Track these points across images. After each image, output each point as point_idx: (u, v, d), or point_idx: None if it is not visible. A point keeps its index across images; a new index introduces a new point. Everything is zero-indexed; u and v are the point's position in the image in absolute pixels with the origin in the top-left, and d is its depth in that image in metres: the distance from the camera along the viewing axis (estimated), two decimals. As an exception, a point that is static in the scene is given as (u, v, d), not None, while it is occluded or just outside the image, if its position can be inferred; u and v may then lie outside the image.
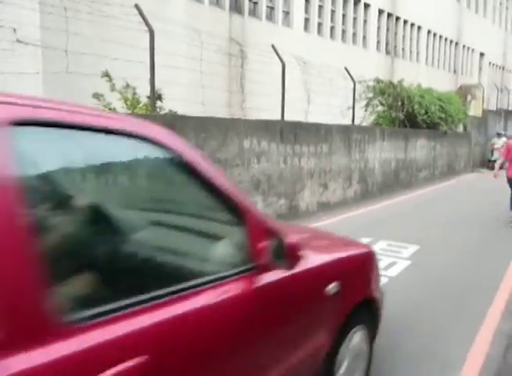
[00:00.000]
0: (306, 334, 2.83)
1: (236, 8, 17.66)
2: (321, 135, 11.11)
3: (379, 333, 3.75)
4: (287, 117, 10.57)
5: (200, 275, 2.17)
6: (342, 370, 3.08)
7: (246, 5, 18.00)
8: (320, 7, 21.85)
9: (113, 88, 7.89)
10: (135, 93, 8.09)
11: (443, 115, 18.29)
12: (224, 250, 2.42)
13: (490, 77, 37.74)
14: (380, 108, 17.11)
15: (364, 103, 16.43)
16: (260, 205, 9.16)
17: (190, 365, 1.99)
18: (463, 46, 34.84)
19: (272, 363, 2.53)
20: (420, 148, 17.09)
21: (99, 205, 1.94)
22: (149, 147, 2.09)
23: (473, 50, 36.21)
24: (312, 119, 13.32)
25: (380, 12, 25.86)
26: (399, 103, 16.69)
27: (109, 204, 2.02)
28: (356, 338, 3.28)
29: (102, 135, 1.96)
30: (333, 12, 22.65)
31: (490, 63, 38.73)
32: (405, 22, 28.04)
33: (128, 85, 8.04)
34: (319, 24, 21.91)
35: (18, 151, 1.59)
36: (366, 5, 24.65)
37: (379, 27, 26.06)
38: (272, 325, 2.53)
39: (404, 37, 28.26)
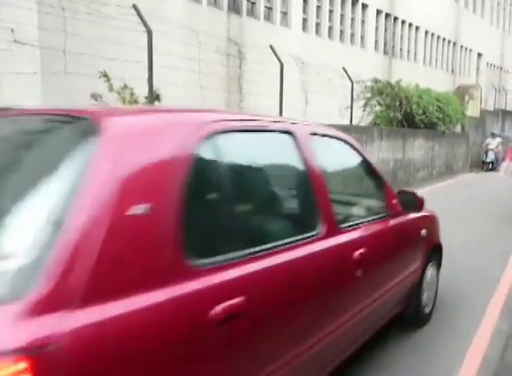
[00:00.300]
0: (415, 256, 4.60)
1: (234, 8, 17.65)
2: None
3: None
4: (286, 116, 10.56)
5: (364, 216, 3.91)
6: (426, 283, 4.88)
7: (245, 6, 17.99)
8: (318, 7, 21.86)
9: (111, 89, 7.87)
10: (132, 93, 8.08)
11: (441, 115, 18.32)
12: (376, 204, 4.24)
13: (488, 78, 37.77)
14: (378, 108, 17.13)
15: (362, 103, 16.45)
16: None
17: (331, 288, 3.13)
18: (461, 46, 34.87)
19: (402, 270, 4.26)
20: (418, 148, 17.09)
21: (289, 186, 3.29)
22: (338, 142, 3.83)
23: (471, 50, 36.24)
24: (310, 119, 13.32)
25: (378, 12, 25.88)
26: (397, 103, 16.71)
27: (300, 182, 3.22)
28: (431, 268, 5.03)
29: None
30: (331, 12, 22.66)
31: (488, 63, 38.77)
32: (403, 22, 28.05)
33: (125, 86, 8.02)
34: (317, 24, 21.91)
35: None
36: (364, 6, 24.67)
37: (377, 27, 26.07)
38: (401, 247, 4.33)
39: (402, 37, 28.27)
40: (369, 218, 3.84)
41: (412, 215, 4.46)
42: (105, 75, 7.89)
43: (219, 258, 2.29)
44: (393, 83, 17.28)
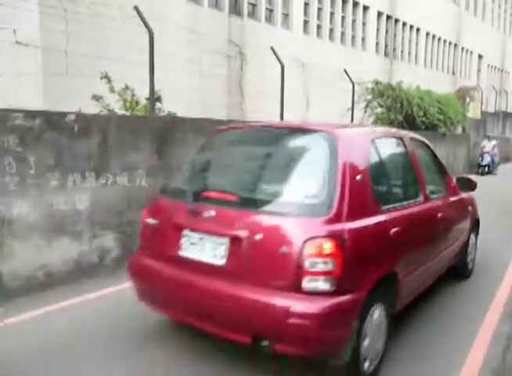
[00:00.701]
0: (465, 224, 6.30)
1: (236, 10, 17.68)
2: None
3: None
4: (286, 119, 10.57)
5: (438, 193, 5.53)
6: (470, 246, 6.59)
7: (246, 7, 18.03)
8: (319, 9, 21.90)
9: (112, 90, 7.89)
10: (133, 94, 8.09)
11: (442, 117, 18.33)
12: (443, 186, 5.85)
13: (488, 79, 37.81)
14: (379, 110, 17.15)
15: (363, 104, 16.45)
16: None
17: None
18: (462, 48, 34.91)
19: (459, 232, 6.01)
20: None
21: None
22: (421, 144, 5.74)
23: (471, 52, 36.29)
24: (311, 120, 13.33)
25: (379, 14, 25.92)
26: (398, 105, 16.71)
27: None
28: (473, 235, 6.69)
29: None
30: (332, 14, 22.71)
31: (489, 65, 38.82)
32: (404, 24, 28.10)
33: (127, 87, 8.04)
34: (318, 26, 21.96)
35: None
36: (365, 8, 24.71)
37: (378, 29, 26.12)
38: (458, 215, 6.05)
39: (403, 39, 28.32)
40: (441, 195, 5.65)
41: (463, 195, 6.25)
42: (106, 76, 7.91)
43: (390, 205, 4.28)
44: (394, 85, 17.30)
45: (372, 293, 3.72)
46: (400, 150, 5.05)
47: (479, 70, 37.74)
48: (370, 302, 3.77)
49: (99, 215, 6.37)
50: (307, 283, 3.42)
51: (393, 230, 4.09)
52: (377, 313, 3.93)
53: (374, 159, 4.35)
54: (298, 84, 15.92)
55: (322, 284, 3.43)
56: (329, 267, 3.42)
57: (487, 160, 22.63)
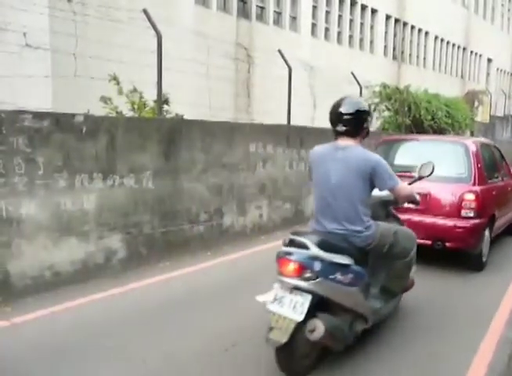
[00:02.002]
0: None
1: (244, 13, 17.75)
2: (327, 139, 11.13)
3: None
4: (293, 122, 10.61)
5: (505, 176, 8.75)
6: None
7: (254, 10, 18.09)
8: (327, 12, 21.94)
9: (120, 92, 7.94)
10: (141, 97, 8.15)
11: (450, 121, 18.26)
12: (506, 173, 8.83)
13: (497, 83, 37.71)
14: (386, 113, 17.13)
15: (370, 108, 16.45)
16: (265, 209, 9.21)
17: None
18: (471, 52, 34.85)
19: None
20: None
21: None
22: (492, 146, 8.99)
23: (480, 56, 36.21)
24: (318, 124, 13.35)
25: (388, 17, 25.93)
26: (406, 109, 16.69)
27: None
28: None
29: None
30: (340, 17, 22.74)
31: (498, 68, 38.72)
32: (413, 27, 28.09)
33: (135, 89, 8.09)
34: (326, 29, 22.00)
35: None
36: (374, 11, 24.73)
37: (386, 33, 26.12)
38: None
39: (411, 42, 28.31)
40: (506, 178, 8.67)
41: None
42: (114, 78, 7.97)
43: (490, 180, 7.55)
44: (402, 88, 17.29)
45: (487, 221, 7.22)
46: (489, 150, 8.49)
47: (488, 74, 37.65)
48: (486, 226, 7.21)
49: (106, 216, 6.43)
50: (463, 213, 6.89)
51: (493, 192, 7.58)
52: (487, 233, 7.34)
53: (482, 155, 7.62)
54: (306, 87, 15.96)
55: (469, 213, 6.87)
56: (472, 205, 6.85)
57: None
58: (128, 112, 8.00)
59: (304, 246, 3.94)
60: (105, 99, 7.84)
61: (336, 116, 4.44)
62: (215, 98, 10.78)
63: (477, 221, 6.88)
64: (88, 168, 6.16)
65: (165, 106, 8.13)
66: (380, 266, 4.60)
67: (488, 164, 7.79)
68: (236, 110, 15.92)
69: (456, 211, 6.90)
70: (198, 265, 7.14)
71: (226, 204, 8.38)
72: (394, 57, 27.02)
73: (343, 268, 4.03)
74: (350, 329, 4.11)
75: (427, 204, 6.51)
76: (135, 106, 8.13)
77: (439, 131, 17.78)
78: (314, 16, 21.18)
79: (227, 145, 8.29)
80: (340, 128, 4.38)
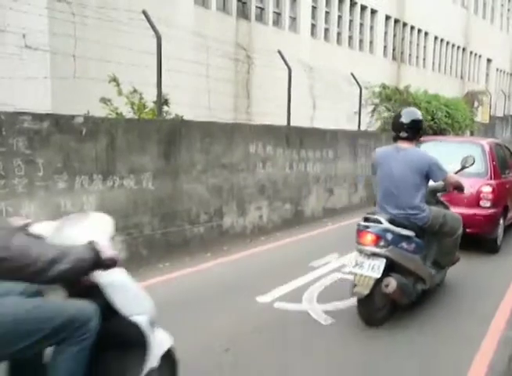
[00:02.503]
0: None
1: (243, 13, 17.76)
2: (327, 140, 11.16)
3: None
4: (293, 122, 10.62)
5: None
6: None
7: (253, 11, 18.10)
8: (327, 13, 21.95)
9: (120, 93, 7.95)
10: (141, 98, 8.16)
11: (450, 121, 18.27)
12: None
13: (497, 84, 37.75)
14: (386, 114, 17.11)
15: (370, 108, 16.45)
16: (265, 210, 9.22)
17: None
18: (471, 52, 34.87)
19: None
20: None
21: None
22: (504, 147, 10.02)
23: (480, 56, 36.24)
24: (318, 124, 13.37)
25: (387, 17, 25.95)
26: (405, 109, 16.69)
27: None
28: None
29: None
30: (339, 17, 22.75)
31: (497, 69, 38.74)
32: (412, 28, 28.11)
33: (135, 90, 8.10)
34: (326, 30, 22.01)
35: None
36: (373, 11, 24.75)
37: (386, 33, 26.14)
38: None
39: (411, 43, 28.33)
40: None
41: None
42: (114, 80, 7.97)
43: (503, 175, 8.69)
44: (401, 89, 17.30)
45: (501, 211, 8.33)
46: (501, 149, 9.43)
47: (487, 74, 37.67)
48: (500, 215, 8.33)
49: (106, 218, 6.43)
50: (481, 203, 8.00)
51: (506, 186, 8.64)
52: (501, 221, 8.45)
53: (496, 154, 8.69)
54: (305, 88, 15.94)
55: (487, 203, 7.98)
56: (489, 197, 7.96)
57: None
58: (127, 113, 8.01)
59: (378, 221, 5.11)
60: (105, 100, 7.85)
61: (398, 125, 5.45)
62: (215, 99, 10.78)
63: (493, 210, 8.08)
64: (87, 169, 6.17)
65: (165, 107, 8.14)
66: (433, 243, 5.67)
67: (500, 162, 8.88)
68: (236, 111, 15.92)
69: (475, 201, 8.05)
70: (198, 265, 7.15)
71: (226, 205, 8.39)
72: (394, 58, 27.04)
73: (408, 239, 5.21)
74: (413, 288, 5.28)
75: (450, 196, 6.90)
76: (135, 107, 8.13)
77: (439, 131, 17.78)
78: (313, 16, 21.20)
79: (227, 146, 8.30)
80: (402, 134, 5.41)
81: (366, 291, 4.84)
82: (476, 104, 26.53)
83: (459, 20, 32.27)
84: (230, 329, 4.96)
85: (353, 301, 5.71)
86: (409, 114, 5.48)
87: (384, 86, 16.98)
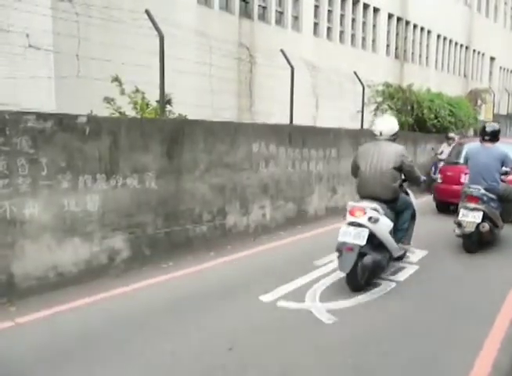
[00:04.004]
0: None
1: (246, 12, 17.77)
2: (330, 139, 11.16)
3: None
4: (296, 121, 10.63)
5: None
6: None
7: (256, 10, 18.10)
8: (329, 11, 21.93)
9: (123, 93, 7.97)
10: (144, 97, 8.18)
11: (453, 120, 18.28)
12: None
13: (501, 82, 37.67)
14: (389, 112, 17.11)
15: (373, 107, 16.45)
16: (268, 209, 9.23)
17: None
18: (474, 50, 34.79)
19: None
20: (430, 152, 17.04)
21: None
22: None
23: (483, 54, 36.15)
24: (321, 123, 13.37)
25: (390, 16, 25.91)
26: (408, 108, 16.71)
27: None
28: None
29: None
30: (342, 16, 22.72)
31: (501, 67, 38.64)
32: (415, 26, 28.06)
33: (137, 90, 8.12)
34: (329, 29, 21.99)
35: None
36: (376, 10, 24.71)
37: (388, 32, 26.10)
38: None
39: (414, 41, 28.28)
40: None
41: None
42: (117, 79, 7.99)
43: None
44: (404, 87, 17.30)
45: None
46: None
47: (491, 73, 37.58)
48: None
49: (109, 217, 6.46)
50: None
51: None
52: None
53: None
54: (308, 87, 15.93)
55: None
56: None
57: None
58: (130, 113, 8.03)
59: (478, 189, 8.18)
60: (108, 100, 7.87)
61: (484, 132, 8.61)
62: (218, 98, 10.80)
63: None
64: (91, 168, 6.19)
65: (168, 107, 8.16)
66: (503, 205, 8.48)
67: None
68: (239, 110, 15.93)
69: None
70: (201, 265, 7.16)
71: (229, 204, 8.40)
72: (397, 56, 26.99)
73: (493, 200, 8.23)
74: (495, 231, 8.48)
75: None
76: (138, 107, 8.16)
77: (443, 130, 17.77)
78: (316, 15, 21.18)
79: (230, 145, 8.31)
80: (487, 137, 8.56)
81: (472, 230, 7.94)
82: (479, 102, 26.49)
83: (462, 18, 32.20)
84: (233, 328, 4.98)
85: (356, 299, 5.76)
86: (491, 126, 8.77)
87: (387, 85, 17.00)
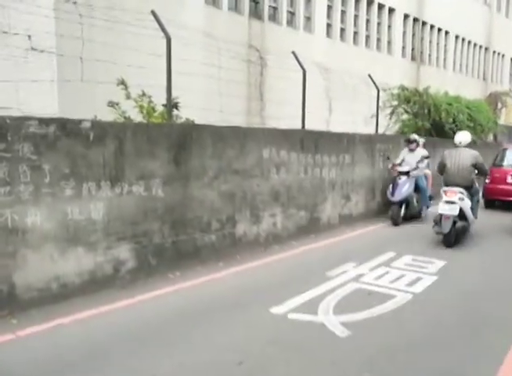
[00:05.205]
0: None
1: (256, 13, 17.80)
2: (343, 144, 11.13)
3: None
4: (308, 126, 10.61)
5: None
6: None
7: (266, 10, 18.13)
8: (343, 12, 21.94)
9: (128, 96, 7.98)
10: (150, 101, 8.18)
11: (472, 124, 18.17)
12: None
13: (522, 84, 37.48)
14: (405, 116, 17.07)
15: (388, 111, 16.41)
16: (279, 217, 9.21)
17: None
18: (493, 52, 34.68)
19: None
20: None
21: None
22: None
23: (503, 56, 36.02)
24: (334, 128, 13.34)
25: (406, 16, 25.88)
26: (425, 111, 16.64)
27: None
28: None
29: None
30: (356, 17, 22.73)
31: (522, 69, 38.48)
32: (432, 27, 28.02)
33: (143, 93, 8.13)
34: (342, 30, 22.00)
35: None
36: (391, 10, 24.70)
37: (404, 32, 26.07)
38: None
39: (431, 42, 28.23)
40: None
41: None
42: (122, 83, 8.01)
43: None
44: (421, 90, 17.24)
45: None
46: None
47: (511, 75, 37.45)
48: None
49: (114, 225, 6.45)
50: None
51: None
52: None
53: None
54: (320, 90, 15.96)
55: None
56: None
57: (401, 191, 11.63)
58: (136, 117, 8.04)
59: None
60: (113, 104, 7.88)
61: None
62: (227, 101, 10.81)
63: None
64: (95, 175, 6.19)
65: (175, 111, 8.17)
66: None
67: None
68: (249, 114, 15.95)
69: None
70: (210, 275, 7.15)
71: (239, 212, 8.38)
72: (413, 58, 26.95)
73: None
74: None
75: None
76: (144, 111, 8.16)
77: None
78: (329, 16, 21.20)
79: (239, 150, 8.30)
80: None
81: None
82: (499, 106, 26.40)
83: (482, 18, 32.11)
84: (243, 341, 4.95)
85: (370, 312, 5.72)
86: None
87: (402, 88, 16.94)
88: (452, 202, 9.11)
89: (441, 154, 10.13)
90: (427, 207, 12.70)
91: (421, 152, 12.38)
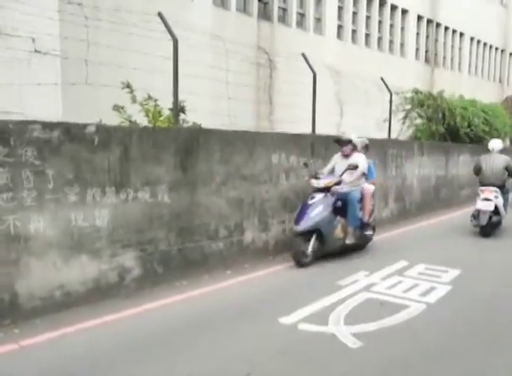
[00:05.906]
0: None
1: (265, 14, 17.84)
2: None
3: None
4: (318, 130, 10.61)
5: None
6: None
7: (276, 12, 18.17)
8: (354, 13, 21.97)
9: (134, 100, 7.99)
10: (156, 105, 8.20)
11: (488, 128, 18.11)
12: None
13: (539, 88, 37.37)
14: (418, 121, 17.05)
15: (401, 115, 16.38)
16: (288, 224, 9.18)
17: None
18: (510, 54, 34.61)
19: None
20: (463, 164, 16.92)
21: None
22: None
23: (521, 58, 35.95)
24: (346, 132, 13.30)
25: (419, 18, 25.89)
26: (439, 116, 16.60)
27: None
28: None
29: None
30: (368, 18, 22.76)
31: (540, 72, 38.37)
32: (447, 28, 28.00)
33: (149, 97, 8.14)
34: (354, 31, 22.02)
35: None
36: (404, 11, 24.70)
37: (418, 34, 26.07)
38: None
39: (445, 44, 28.20)
40: None
41: None
42: (128, 86, 8.03)
43: None
44: (435, 94, 17.21)
45: None
46: None
47: (529, 78, 37.35)
48: None
49: (119, 233, 6.46)
50: None
51: None
52: None
53: None
54: (331, 93, 15.97)
55: None
56: None
57: (310, 216, 8.40)
58: (142, 121, 8.05)
59: None
60: (118, 108, 7.90)
61: None
62: (235, 105, 10.80)
63: None
64: (100, 181, 6.21)
65: (182, 115, 8.18)
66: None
67: None
68: (258, 118, 15.97)
69: None
70: (217, 284, 7.15)
71: (247, 219, 8.38)
72: (427, 60, 26.94)
73: None
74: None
75: None
76: (150, 115, 8.18)
77: (476, 139, 17.62)
78: (340, 17, 21.23)
79: (248, 156, 8.30)
80: None
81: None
82: (516, 110, 26.29)
83: (498, 20, 32.06)
84: (251, 352, 4.95)
85: (382, 322, 5.71)
86: None
87: (416, 91, 16.92)
88: (488, 199, 10.92)
89: (476, 159, 12.14)
90: (369, 232, 9.41)
91: (358, 158, 9.04)
